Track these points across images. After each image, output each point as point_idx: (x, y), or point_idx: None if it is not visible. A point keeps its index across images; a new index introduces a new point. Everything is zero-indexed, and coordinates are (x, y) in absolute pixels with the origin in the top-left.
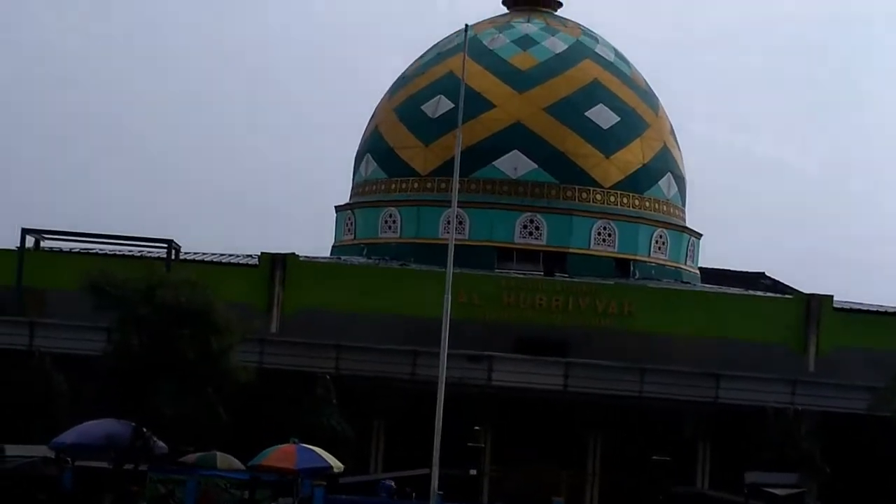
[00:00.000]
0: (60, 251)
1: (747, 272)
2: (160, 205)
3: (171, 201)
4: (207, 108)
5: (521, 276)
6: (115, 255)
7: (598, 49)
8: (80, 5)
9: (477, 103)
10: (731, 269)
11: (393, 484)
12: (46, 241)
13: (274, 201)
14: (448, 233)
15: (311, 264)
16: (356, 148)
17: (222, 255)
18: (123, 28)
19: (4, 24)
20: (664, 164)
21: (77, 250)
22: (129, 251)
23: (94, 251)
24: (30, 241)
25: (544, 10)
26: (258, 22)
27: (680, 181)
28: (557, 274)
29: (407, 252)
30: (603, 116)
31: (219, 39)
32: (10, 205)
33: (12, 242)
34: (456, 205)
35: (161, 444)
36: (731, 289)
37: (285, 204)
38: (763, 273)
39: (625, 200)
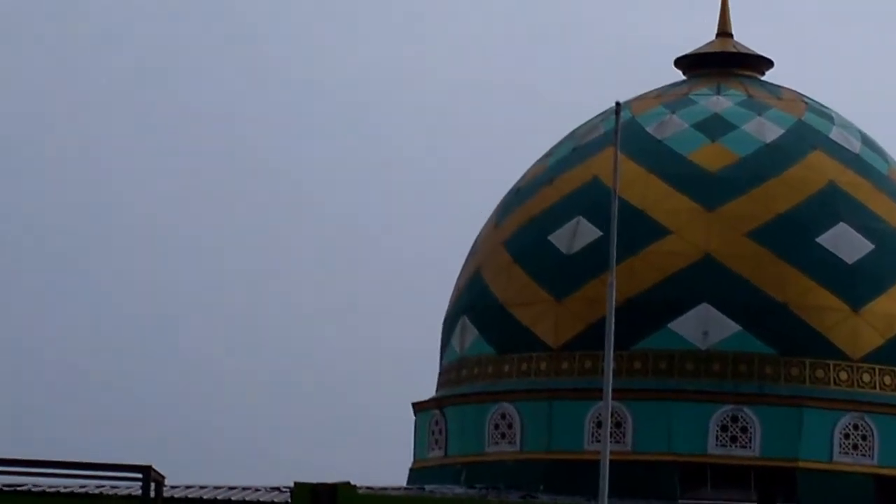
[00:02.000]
0: None
1: None
2: (132, 418)
3: (147, 412)
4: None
5: None
6: (58, 493)
7: (835, 133)
8: None
9: (640, 228)
10: None
11: None
12: None
13: (309, 399)
14: (599, 442)
15: (378, 499)
16: (445, 307)
17: (232, 488)
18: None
19: None
20: None
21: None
22: (82, 486)
23: (23, 487)
24: None
25: (743, 72)
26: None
27: None
28: None
29: (533, 475)
30: (846, 243)
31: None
32: None
33: None
34: (610, 395)
35: None
36: None
37: (328, 403)
38: None
39: (888, 380)
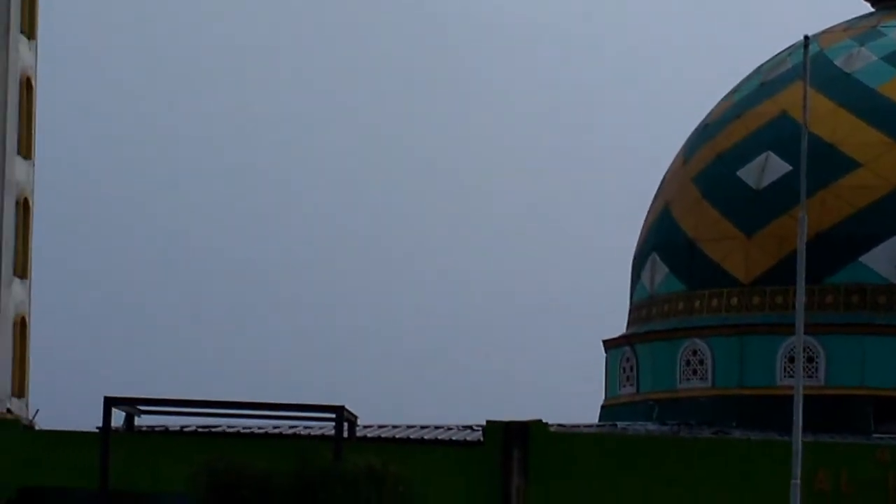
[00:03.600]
0: (166, 431)
1: None
2: (326, 356)
3: (343, 352)
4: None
5: None
6: (251, 433)
7: None
8: None
9: (830, 162)
10: None
11: None
12: (144, 417)
13: (500, 338)
14: (792, 377)
15: (570, 437)
16: (634, 244)
17: (424, 427)
18: None
19: None
20: None
21: (192, 428)
22: (275, 427)
23: (218, 429)
24: (118, 418)
25: None
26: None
27: None
28: None
29: (725, 411)
30: None
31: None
32: (91, 367)
33: (92, 421)
34: (802, 330)
35: None
36: None
37: (519, 341)
38: None
39: None
